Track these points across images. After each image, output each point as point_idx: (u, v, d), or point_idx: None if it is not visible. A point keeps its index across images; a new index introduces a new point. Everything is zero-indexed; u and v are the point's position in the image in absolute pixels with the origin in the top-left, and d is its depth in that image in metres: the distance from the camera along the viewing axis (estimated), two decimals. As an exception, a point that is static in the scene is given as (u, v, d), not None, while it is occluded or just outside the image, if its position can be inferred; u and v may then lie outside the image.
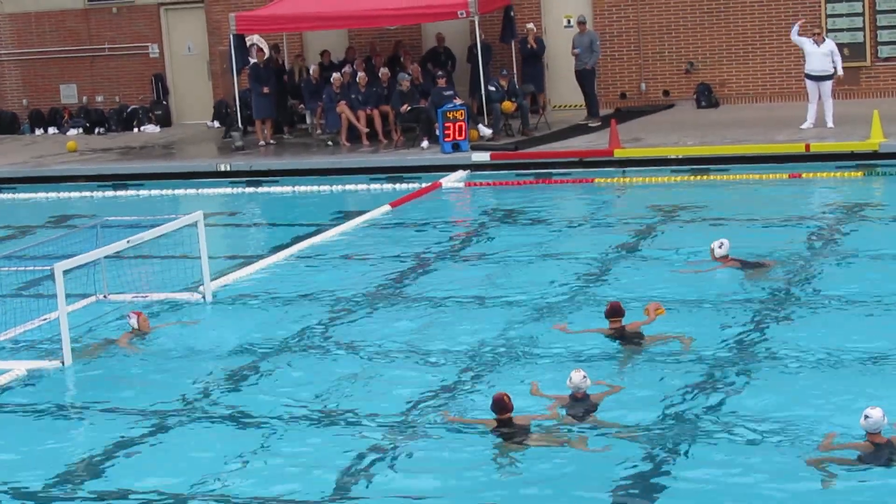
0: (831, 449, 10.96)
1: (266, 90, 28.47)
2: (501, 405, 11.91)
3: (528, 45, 28.79)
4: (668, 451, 11.40)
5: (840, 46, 26.37)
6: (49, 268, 14.77)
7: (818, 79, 25.05)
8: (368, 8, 27.29)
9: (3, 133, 33.42)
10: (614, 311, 14.44)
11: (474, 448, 11.73)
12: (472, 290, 16.88)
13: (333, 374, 13.93)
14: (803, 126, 25.15)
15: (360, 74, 28.09)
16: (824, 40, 25.15)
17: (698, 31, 28.92)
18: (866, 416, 10.77)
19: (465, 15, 26.76)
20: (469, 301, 16.43)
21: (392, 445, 11.91)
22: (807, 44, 25.17)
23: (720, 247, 16.89)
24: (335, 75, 28.10)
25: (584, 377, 12.30)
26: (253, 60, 28.92)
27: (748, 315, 14.97)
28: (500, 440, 11.77)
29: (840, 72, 25.06)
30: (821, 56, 24.98)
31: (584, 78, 27.90)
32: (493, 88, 27.12)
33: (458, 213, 22.88)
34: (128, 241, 15.90)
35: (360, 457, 11.71)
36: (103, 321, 16.32)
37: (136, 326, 15.56)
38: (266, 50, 29.71)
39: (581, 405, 12.23)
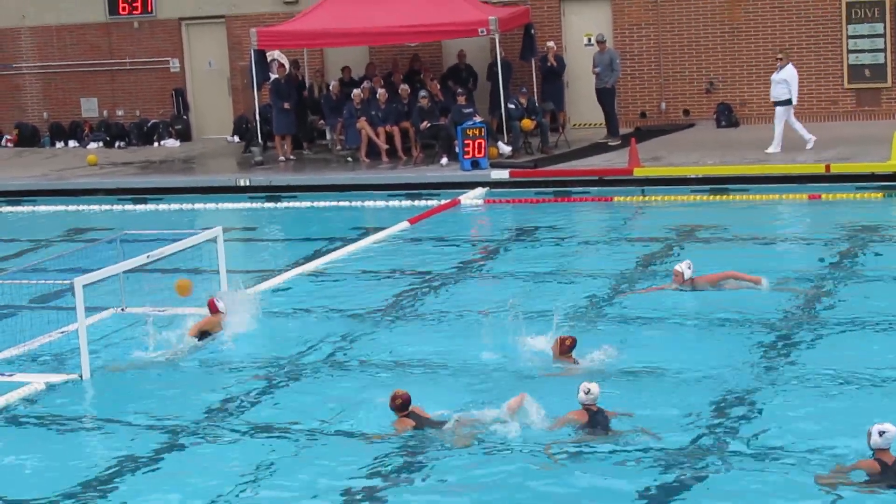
0: (841, 472, 10.93)
1: (287, 106, 28.52)
2: (397, 404, 12.46)
3: (549, 63, 28.80)
4: (673, 469, 11.39)
5: (861, 67, 26.36)
6: (69, 282, 14.80)
7: (775, 104, 25.25)
8: (390, 25, 27.33)
9: (23, 146, 33.51)
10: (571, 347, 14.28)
11: (495, 463, 11.75)
12: (489, 307, 16.86)
13: (350, 390, 13.93)
14: (768, 150, 25.20)
15: (380, 91, 28.14)
16: (784, 66, 25.21)
17: (719, 51, 28.89)
18: (882, 433, 10.69)
19: (485, 33, 26.81)
20: (485, 318, 16.40)
21: (409, 462, 11.90)
22: (773, 73, 25.49)
23: (689, 268, 16.80)
24: (355, 91, 28.14)
25: (589, 392, 12.25)
26: (274, 76, 28.98)
27: (767, 335, 14.94)
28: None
29: (794, 99, 25.21)
30: (775, 83, 25.22)
31: (605, 96, 27.92)
32: (512, 106, 27.13)
33: (476, 231, 22.89)
34: (147, 256, 15.95)
35: (376, 474, 11.71)
36: (121, 334, 16.36)
37: (223, 312, 15.95)
38: (286, 65, 29.76)
39: (595, 419, 12.20)
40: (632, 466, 11.52)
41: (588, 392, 12.27)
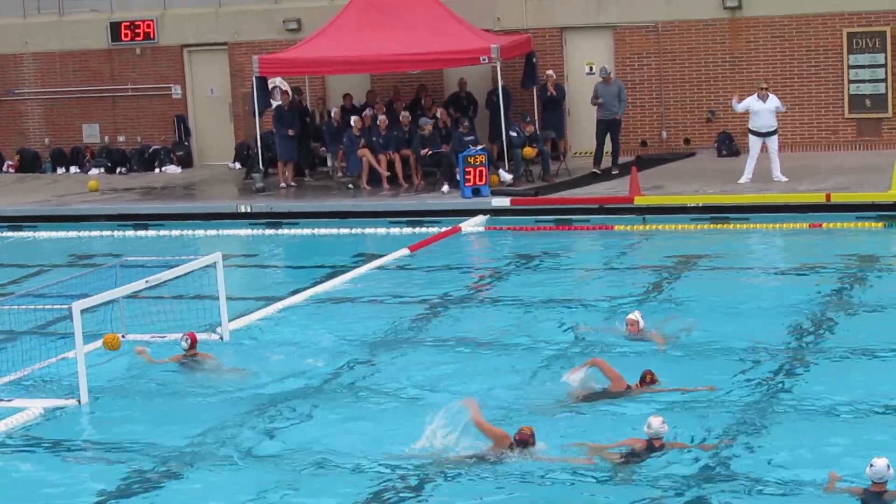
0: (834, 490, 11.12)
1: (291, 132, 28.58)
2: (524, 443, 12.19)
3: (548, 93, 28.80)
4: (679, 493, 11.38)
5: (862, 97, 26.36)
6: (67, 307, 14.79)
7: (765, 135, 25.27)
8: (391, 53, 27.37)
9: (25, 171, 33.54)
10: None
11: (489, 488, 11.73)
12: (489, 335, 16.85)
13: (349, 417, 13.91)
14: (741, 180, 25.31)
15: (381, 118, 28.17)
16: (768, 96, 25.25)
17: (720, 80, 28.93)
18: (871, 465, 10.86)
19: (487, 61, 26.83)
20: (486, 346, 16.39)
21: (408, 489, 11.87)
22: (752, 102, 25.41)
23: (641, 317, 16.34)
24: (354, 118, 28.18)
25: (663, 422, 12.32)
26: (277, 103, 29.04)
27: (763, 365, 14.91)
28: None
29: (785, 109, 25.84)
30: (767, 113, 25.27)
31: (614, 127, 27.66)
32: (514, 134, 27.14)
33: (477, 258, 22.87)
34: (146, 282, 15.94)
35: (373, 501, 11.68)
36: (120, 360, 16.34)
37: (186, 348, 15.97)
38: (289, 92, 29.79)
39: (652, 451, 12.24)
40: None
41: (656, 425, 12.30)
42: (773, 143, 25.35)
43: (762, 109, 25.30)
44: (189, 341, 16.07)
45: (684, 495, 11.43)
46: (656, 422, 12.30)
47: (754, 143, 25.54)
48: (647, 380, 14.12)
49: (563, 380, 14.32)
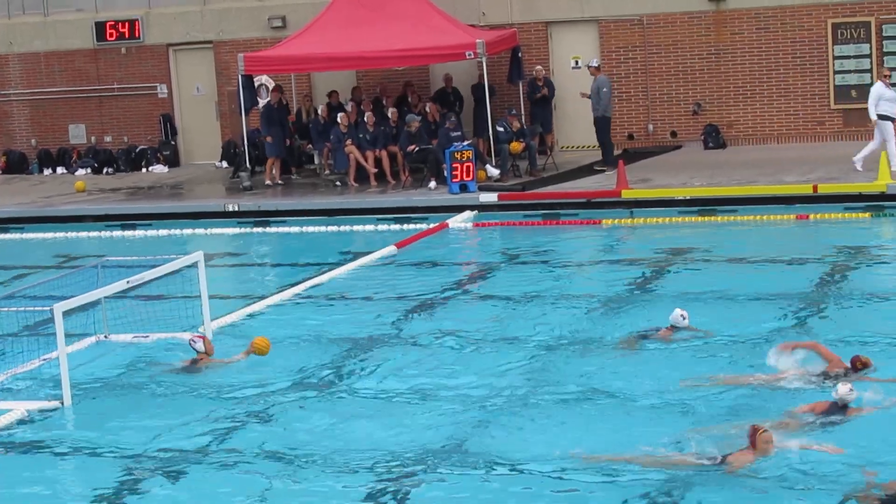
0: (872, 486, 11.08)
1: (269, 139, 28.54)
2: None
3: (537, 95, 28.61)
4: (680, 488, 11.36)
5: (847, 88, 26.29)
6: (49, 308, 14.73)
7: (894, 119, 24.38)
8: (377, 49, 27.34)
9: (12, 173, 33.50)
10: None
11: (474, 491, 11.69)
12: (478, 331, 16.81)
13: (337, 416, 13.86)
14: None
15: (367, 114, 28.14)
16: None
17: (705, 73, 28.91)
18: None
19: (473, 56, 26.80)
20: (475, 342, 16.36)
21: (398, 490, 11.83)
22: (883, 89, 24.30)
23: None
24: (340, 115, 28.16)
25: (852, 390, 12.43)
26: (264, 101, 29.05)
27: (755, 355, 14.90)
28: None
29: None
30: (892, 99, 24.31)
31: (596, 125, 27.47)
32: (501, 129, 27.10)
33: (465, 254, 22.84)
34: (127, 282, 15.87)
35: (368, 500, 11.65)
36: (103, 361, 16.28)
37: (203, 350, 15.88)
38: (272, 89, 29.80)
39: (838, 415, 12.36)
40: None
41: (851, 391, 12.50)
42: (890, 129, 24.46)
43: (893, 97, 24.31)
44: (203, 343, 15.98)
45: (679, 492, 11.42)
46: (844, 389, 12.47)
47: (888, 128, 24.24)
48: (859, 366, 13.86)
49: (770, 360, 13.66)
